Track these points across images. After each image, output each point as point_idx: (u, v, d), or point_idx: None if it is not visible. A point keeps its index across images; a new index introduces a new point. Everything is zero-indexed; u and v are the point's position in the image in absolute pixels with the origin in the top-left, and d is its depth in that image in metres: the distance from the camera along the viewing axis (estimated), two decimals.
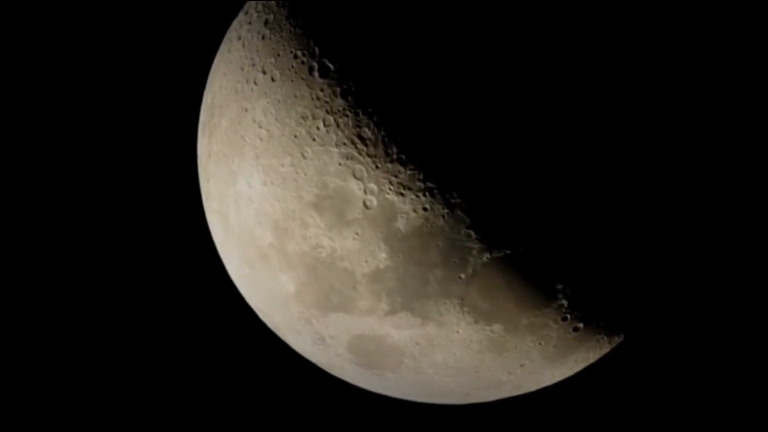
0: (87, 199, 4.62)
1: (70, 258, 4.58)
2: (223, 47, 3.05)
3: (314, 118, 2.53)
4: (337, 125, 2.51)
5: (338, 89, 2.51)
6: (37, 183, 4.55)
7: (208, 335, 4.71)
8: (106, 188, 4.65)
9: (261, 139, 2.65)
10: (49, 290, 4.54)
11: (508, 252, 2.49)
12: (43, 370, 4.48)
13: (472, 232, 2.47)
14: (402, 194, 2.47)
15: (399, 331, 2.67)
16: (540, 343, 2.73)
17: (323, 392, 4.44)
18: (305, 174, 2.55)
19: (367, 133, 2.47)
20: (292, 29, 2.65)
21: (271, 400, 4.65)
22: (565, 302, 2.63)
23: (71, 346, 4.54)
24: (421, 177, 2.44)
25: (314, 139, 2.53)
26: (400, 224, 2.49)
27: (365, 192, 2.50)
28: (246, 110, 2.71)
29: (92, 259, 4.63)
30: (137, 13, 4.62)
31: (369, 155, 2.48)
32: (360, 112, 2.48)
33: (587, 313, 2.71)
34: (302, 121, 2.55)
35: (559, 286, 2.59)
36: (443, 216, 2.46)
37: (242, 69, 2.77)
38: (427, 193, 2.45)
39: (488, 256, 2.50)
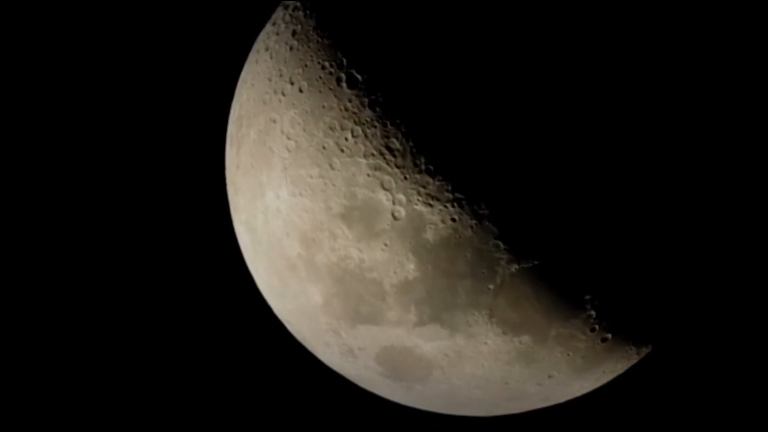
0: (87, 199, 4.64)
1: (70, 258, 4.59)
2: (251, 58, 3.05)
3: (342, 129, 2.53)
4: (365, 136, 2.50)
5: (366, 100, 2.51)
6: (38, 183, 4.57)
7: (208, 335, 4.71)
8: (106, 188, 4.66)
9: (289, 151, 2.65)
10: (50, 290, 4.55)
11: (536, 263, 2.48)
12: (43, 370, 4.48)
13: (500, 243, 2.47)
14: (430, 205, 2.46)
15: (427, 342, 2.66)
16: (568, 354, 2.71)
17: (323, 392, 4.45)
18: (333, 185, 2.55)
19: (396, 143, 2.47)
20: (320, 40, 2.65)
21: (271, 400, 4.65)
22: (593, 313, 2.62)
23: (71, 346, 4.55)
24: (450, 188, 2.44)
25: (342, 150, 2.53)
26: (429, 235, 2.49)
27: (393, 203, 2.49)
28: (274, 121, 2.71)
29: (92, 259, 4.63)
30: (137, 13, 4.63)
31: (397, 166, 2.47)
32: (388, 123, 2.48)
33: (615, 324, 2.69)
34: (330, 132, 2.55)
35: (587, 297, 2.58)
36: (471, 227, 2.45)
37: (270, 80, 2.77)
38: (455, 204, 2.44)
39: (516, 266, 2.49)
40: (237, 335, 4.63)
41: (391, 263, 2.55)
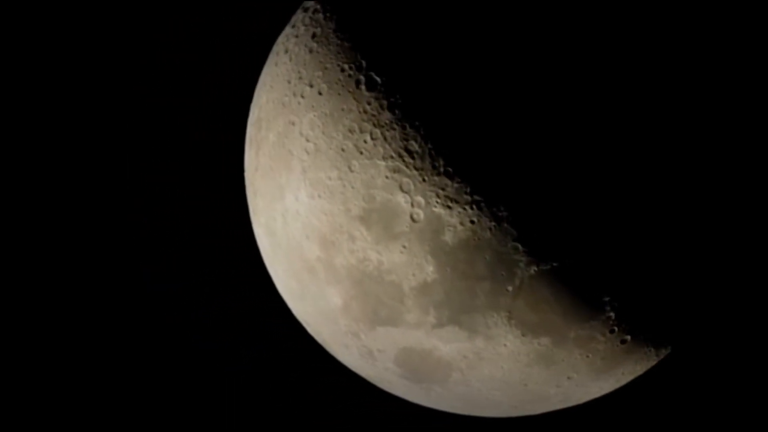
0: (87, 199, 4.64)
1: (70, 258, 4.59)
2: (270, 60, 3.06)
3: (361, 131, 2.54)
4: (384, 138, 2.50)
5: (385, 102, 2.51)
6: (38, 183, 4.57)
7: (208, 335, 4.70)
8: (106, 188, 4.66)
9: (308, 153, 2.65)
10: (50, 290, 4.55)
11: (555, 264, 2.48)
12: (43, 370, 4.48)
13: (519, 245, 2.46)
14: (449, 207, 2.46)
15: (446, 344, 2.66)
16: (587, 356, 2.71)
17: (324, 393, 4.47)
18: (352, 187, 2.55)
19: (414, 146, 2.47)
20: (340, 42, 2.66)
21: (272, 400, 4.65)
22: (612, 314, 2.61)
23: (71, 346, 4.55)
24: (468, 190, 2.44)
25: (361, 153, 2.53)
26: (448, 237, 2.49)
27: (412, 205, 2.49)
28: (293, 124, 2.71)
29: (92, 259, 4.63)
30: (137, 13, 4.64)
31: (416, 168, 2.47)
32: (407, 126, 2.48)
33: (634, 326, 2.69)
34: (349, 134, 2.55)
35: (606, 299, 2.57)
36: (490, 229, 2.45)
37: (289, 82, 2.78)
38: (474, 206, 2.44)
39: (535, 268, 2.48)
40: (237, 335, 4.64)
41: (409, 265, 2.55)
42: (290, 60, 2.83)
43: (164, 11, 4.65)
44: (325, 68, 2.66)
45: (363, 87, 2.56)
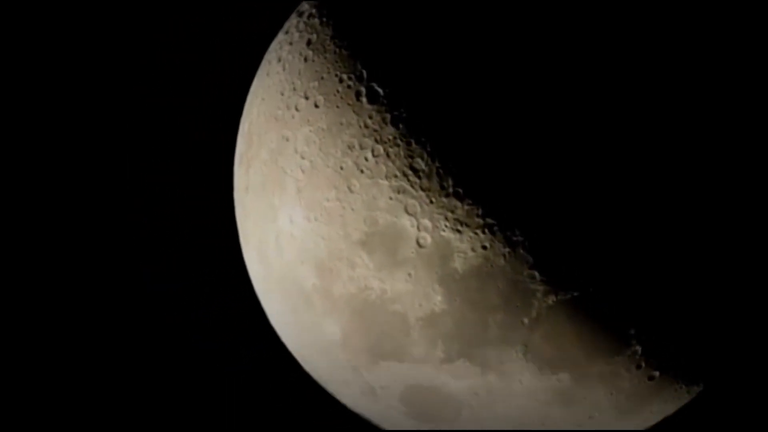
0: (87, 199, 4.67)
1: (70, 258, 4.62)
2: (262, 70, 2.92)
3: (362, 147, 2.41)
4: (388, 156, 2.38)
5: (388, 116, 2.39)
6: (37, 183, 4.59)
7: (208, 335, 4.71)
8: (106, 188, 4.69)
9: (303, 171, 2.52)
10: (49, 290, 4.57)
11: (575, 294, 2.33)
12: (42, 370, 4.51)
13: (536, 273, 2.32)
14: (459, 231, 2.33)
15: (456, 380, 2.52)
16: (611, 394, 2.55)
17: (324, 393, 4.40)
18: (352, 209, 2.42)
19: (421, 164, 2.34)
20: (338, 50, 2.53)
21: (272, 400, 4.64)
22: (639, 348, 2.45)
23: (71, 346, 4.57)
24: (480, 212, 2.30)
25: (362, 171, 2.41)
26: (457, 264, 2.34)
27: (418, 229, 2.36)
28: (287, 139, 2.58)
29: (92, 259, 4.66)
30: (137, 13, 4.66)
31: (422, 188, 2.34)
32: (412, 141, 2.35)
33: (663, 361, 2.53)
34: (349, 151, 2.42)
35: (632, 331, 2.41)
36: (504, 255, 2.31)
37: (282, 94, 2.65)
38: (486, 230, 2.31)
39: (554, 298, 2.34)
40: (237, 335, 4.63)
41: (415, 294, 2.41)
42: (283, 69, 2.69)
43: (164, 10, 4.67)
44: (322, 78, 2.53)
45: (364, 99, 2.43)
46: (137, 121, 4.68)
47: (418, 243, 2.36)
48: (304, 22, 2.71)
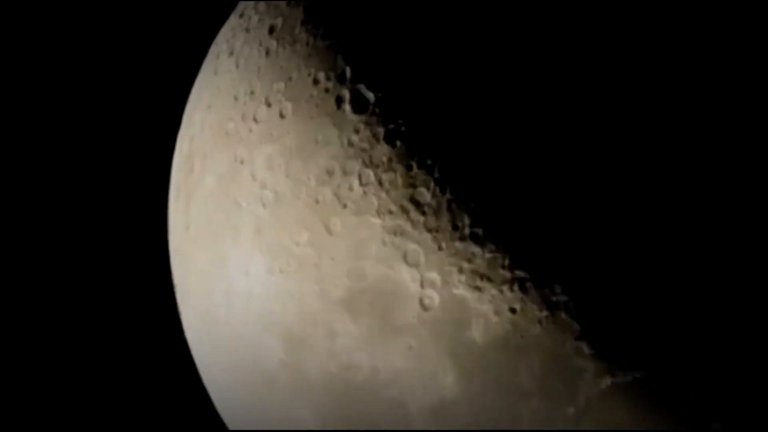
0: (87, 199, 4.71)
1: (69, 258, 4.67)
2: (207, 66, 2.52)
3: (345, 173, 2.04)
4: (380, 184, 1.99)
5: (381, 130, 1.99)
6: (37, 183, 4.64)
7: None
8: (106, 188, 4.72)
9: (265, 205, 2.16)
10: (49, 290, 4.63)
11: (637, 375, 1.89)
12: (42, 370, 4.58)
13: (584, 346, 1.89)
14: (478, 288, 1.92)
15: None
16: None
17: None
18: (332, 258, 2.03)
19: (425, 195, 1.95)
20: (312, 40, 2.17)
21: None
22: None
23: (71, 346, 4.62)
24: (507, 263, 1.90)
25: (345, 206, 2.03)
26: (476, 333, 1.94)
27: (422, 285, 1.94)
28: (242, 162, 2.22)
29: (92, 259, 4.69)
30: (137, 13, 4.68)
31: (428, 229, 1.95)
32: (414, 165, 1.94)
33: None
34: (327, 178, 2.06)
35: (717, 425, 1.92)
36: (540, 321, 1.91)
37: (236, 99, 2.29)
38: (515, 287, 1.91)
39: (609, 380, 1.90)
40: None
41: (419, 375, 2.01)
42: (237, 66, 2.33)
43: (164, 11, 4.69)
44: (290, 79, 2.17)
45: (347, 107, 2.06)
46: (137, 121, 4.70)
47: (422, 304, 1.96)
48: (265, 2, 2.34)
